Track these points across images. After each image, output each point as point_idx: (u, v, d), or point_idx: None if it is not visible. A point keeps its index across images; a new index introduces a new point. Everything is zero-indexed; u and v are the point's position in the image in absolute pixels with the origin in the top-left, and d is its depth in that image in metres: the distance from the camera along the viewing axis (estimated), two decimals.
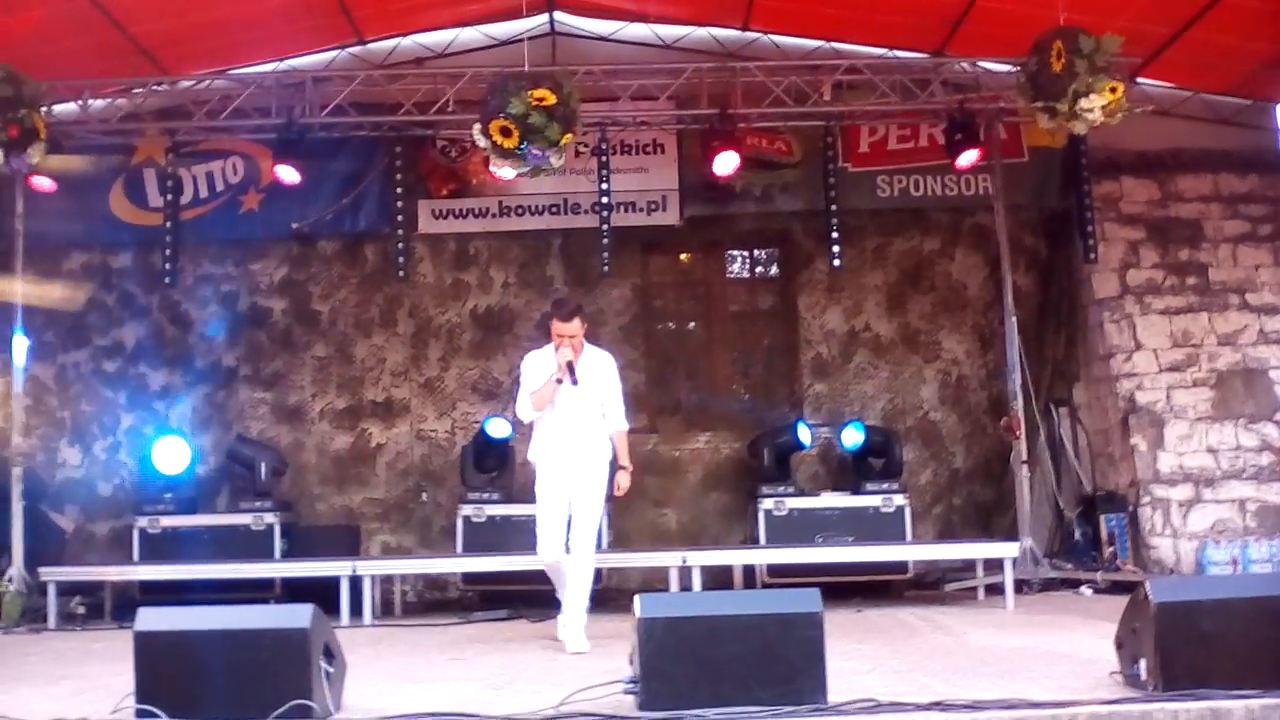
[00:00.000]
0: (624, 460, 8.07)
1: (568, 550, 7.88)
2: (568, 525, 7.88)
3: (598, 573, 11.00)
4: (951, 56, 11.65)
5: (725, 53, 12.09)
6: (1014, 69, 10.72)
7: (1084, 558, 11.71)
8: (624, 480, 8.06)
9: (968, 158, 11.46)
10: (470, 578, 11.29)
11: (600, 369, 8.09)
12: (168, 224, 11.90)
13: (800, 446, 12.36)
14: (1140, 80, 11.27)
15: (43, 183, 11.43)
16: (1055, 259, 13.07)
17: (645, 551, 11.90)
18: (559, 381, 7.80)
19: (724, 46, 12.16)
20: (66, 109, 11.49)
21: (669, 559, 10.53)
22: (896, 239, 13.45)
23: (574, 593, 7.93)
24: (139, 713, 4.96)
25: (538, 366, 8.00)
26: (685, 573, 10.29)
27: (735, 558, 11.37)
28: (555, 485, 7.89)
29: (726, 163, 11.41)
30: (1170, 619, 5.11)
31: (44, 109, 10.70)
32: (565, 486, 7.88)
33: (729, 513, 13.09)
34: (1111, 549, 11.59)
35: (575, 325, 7.87)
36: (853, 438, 12.21)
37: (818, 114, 11.68)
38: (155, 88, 11.67)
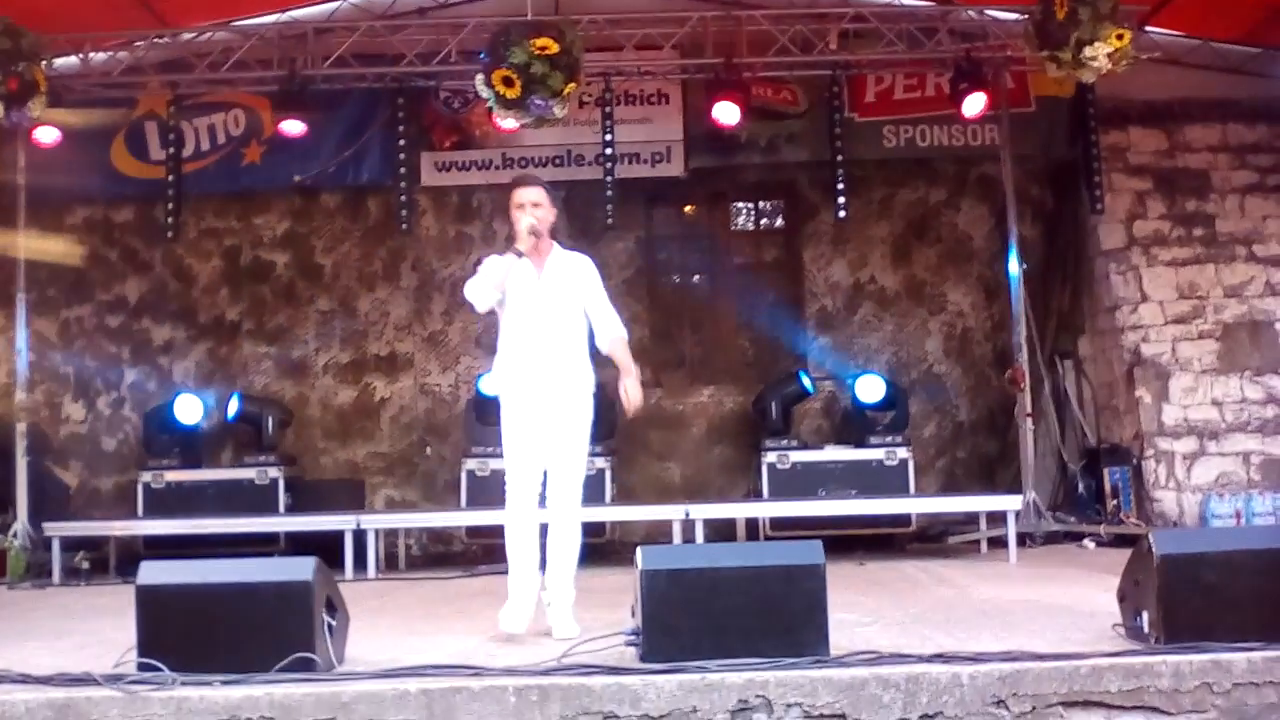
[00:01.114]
0: (630, 368, 6.56)
1: (543, 506, 6.37)
2: (544, 478, 6.37)
3: (600, 526, 11.11)
4: (959, 5, 11.53)
5: (730, 1, 11.98)
6: (1021, 17, 10.64)
7: (1087, 511, 11.72)
8: (634, 390, 6.49)
9: (974, 107, 11.35)
10: (474, 531, 11.30)
11: (577, 273, 6.56)
12: (170, 177, 11.87)
13: (806, 393, 12.36)
14: (1148, 29, 11.13)
15: (47, 136, 11.37)
16: (1061, 210, 12.99)
17: (648, 505, 11.91)
18: (518, 255, 6.33)
19: None
20: (67, 62, 11.42)
21: (672, 512, 10.56)
22: (902, 190, 13.39)
23: (557, 564, 6.28)
24: (141, 666, 4.97)
25: (493, 261, 6.53)
26: (688, 526, 10.31)
27: (738, 511, 11.39)
28: (525, 424, 6.32)
29: (730, 112, 11.34)
30: (1173, 571, 5.09)
31: (44, 62, 10.64)
32: (538, 426, 6.31)
33: (732, 466, 13.10)
34: (1115, 502, 11.58)
35: (539, 193, 6.45)
36: (873, 390, 12.07)
37: (824, 63, 11.59)
38: (156, 40, 11.58)
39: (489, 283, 6.37)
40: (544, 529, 6.33)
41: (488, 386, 11.70)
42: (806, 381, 12.27)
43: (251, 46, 11.47)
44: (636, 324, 13.05)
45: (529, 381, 6.35)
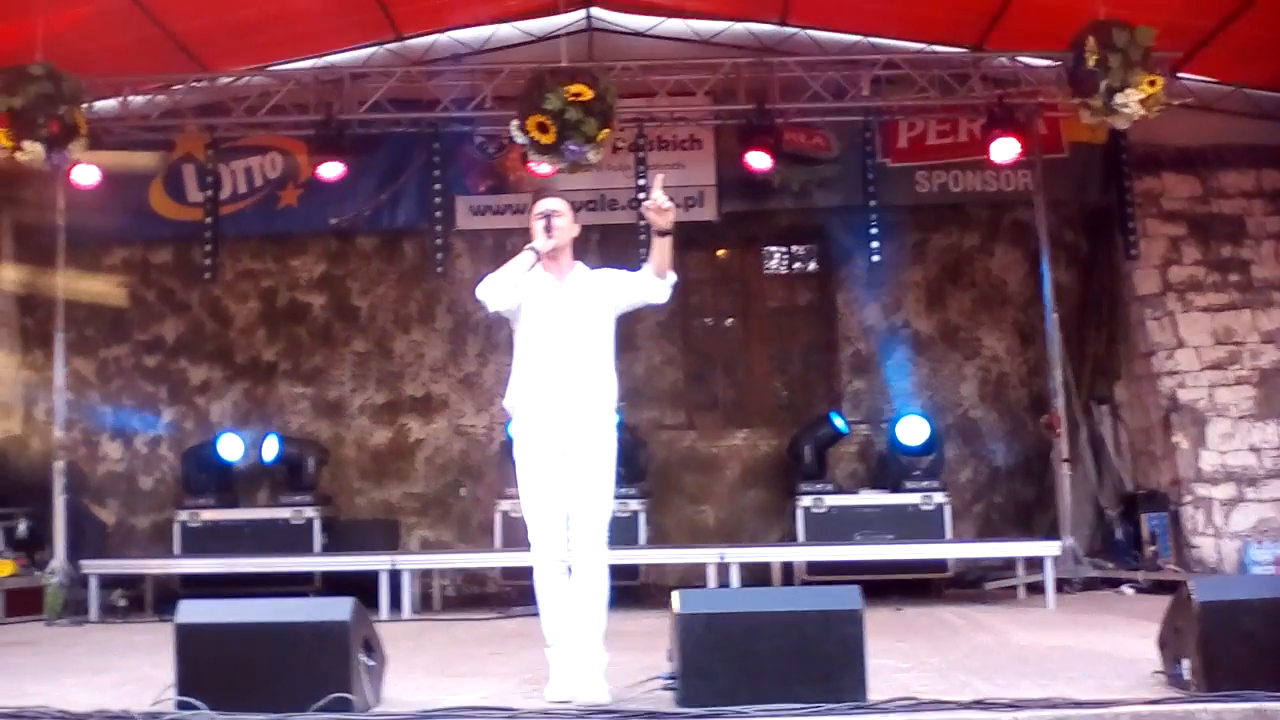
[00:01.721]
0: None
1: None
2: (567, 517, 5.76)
3: (634, 569, 11.08)
4: (991, 51, 11.56)
5: (763, 48, 12.05)
6: (1054, 63, 10.66)
7: (1125, 557, 11.63)
8: (662, 196, 5.75)
9: (1008, 153, 11.37)
10: (509, 572, 11.28)
11: (598, 283, 6.03)
12: (207, 219, 11.98)
13: (839, 434, 12.27)
14: (1181, 75, 11.16)
15: (86, 177, 11.51)
16: (1096, 255, 12.97)
17: (683, 548, 11.88)
18: (536, 254, 5.87)
19: (761, 41, 12.13)
20: (107, 105, 11.55)
21: (707, 556, 10.51)
22: (936, 235, 13.39)
23: (585, 620, 5.63)
24: (180, 704, 4.99)
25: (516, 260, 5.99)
26: (723, 570, 10.26)
27: (774, 555, 11.35)
28: (544, 454, 5.80)
29: (763, 159, 11.39)
30: (1214, 619, 5.05)
31: (85, 105, 10.77)
32: (556, 457, 5.76)
33: (767, 510, 13.06)
34: (1153, 548, 11.47)
35: (559, 203, 6.04)
36: (916, 432, 11.84)
37: (856, 109, 11.63)
38: (195, 84, 11.75)
39: (506, 279, 5.87)
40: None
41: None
42: (839, 422, 12.22)
43: (289, 91, 11.60)
44: (670, 367, 13.16)
45: (545, 405, 5.79)
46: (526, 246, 5.90)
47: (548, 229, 5.86)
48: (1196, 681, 5.05)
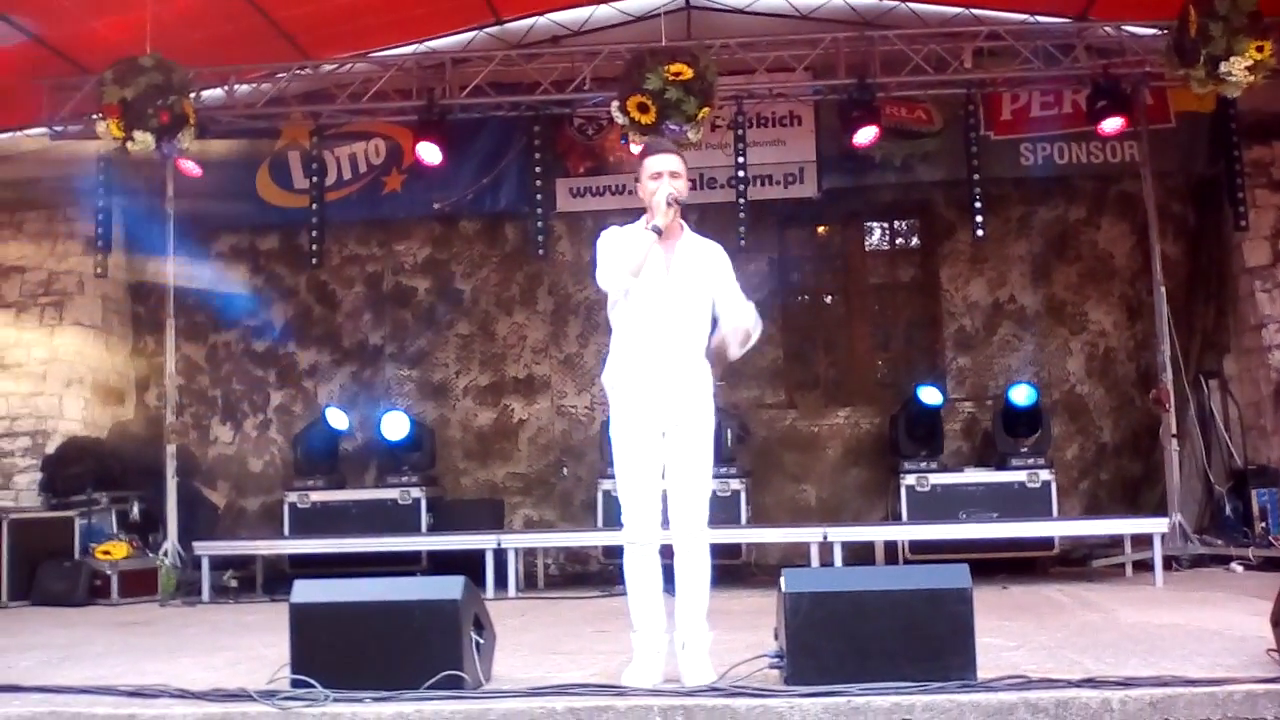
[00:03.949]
0: (733, 349, 5.53)
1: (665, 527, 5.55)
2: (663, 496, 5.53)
3: (736, 548, 11.09)
4: (1095, 20, 11.38)
5: (863, 21, 11.95)
6: (1159, 33, 10.47)
7: (1235, 533, 11.40)
8: (733, 344, 5.48)
9: (1113, 124, 11.21)
10: (610, 551, 11.34)
11: (709, 262, 5.65)
12: (313, 205, 12.13)
13: (927, 409, 11.97)
14: None
15: (192, 167, 11.74)
16: (1204, 227, 12.73)
17: (785, 527, 11.87)
18: (656, 231, 5.42)
19: (861, 15, 12.01)
20: (213, 94, 11.78)
21: (810, 535, 10.47)
22: (1041, 208, 13.22)
23: (688, 599, 5.47)
24: (294, 683, 5.07)
25: (622, 239, 5.56)
26: (826, 549, 10.23)
27: (877, 534, 11.28)
28: (641, 432, 5.50)
29: (865, 134, 11.32)
30: None
31: (192, 95, 10.99)
32: (655, 435, 5.48)
33: (869, 489, 13.02)
34: (1263, 524, 11.26)
35: (677, 161, 5.59)
36: (1024, 394, 11.74)
37: (958, 82, 11.50)
38: (298, 72, 11.93)
39: (627, 268, 5.44)
40: (667, 550, 5.54)
41: None
42: (926, 395, 11.93)
43: (391, 77, 11.75)
44: (770, 345, 13.11)
45: (644, 383, 5.50)
46: (648, 225, 5.45)
47: (670, 200, 5.44)
48: None
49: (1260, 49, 9.21)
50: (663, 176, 5.49)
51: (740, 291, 5.64)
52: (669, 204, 5.43)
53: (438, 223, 13.68)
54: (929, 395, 11.95)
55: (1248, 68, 9.27)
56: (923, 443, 11.89)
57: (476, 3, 11.62)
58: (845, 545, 10.27)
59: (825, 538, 10.26)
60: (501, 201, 13.09)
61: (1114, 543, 11.08)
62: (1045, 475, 11.32)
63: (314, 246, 12.19)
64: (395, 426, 12.39)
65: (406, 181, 12.99)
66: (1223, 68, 9.30)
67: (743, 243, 11.68)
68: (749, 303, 5.58)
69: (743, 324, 5.50)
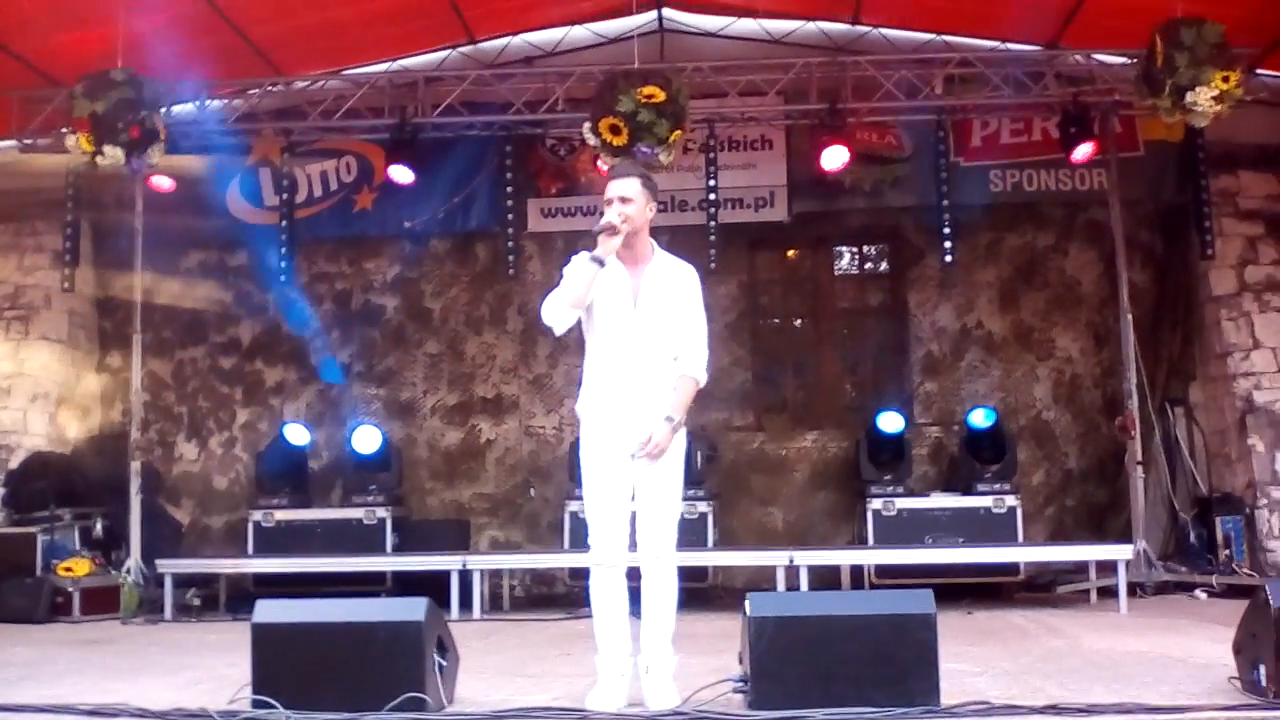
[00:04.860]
0: (673, 411, 5.40)
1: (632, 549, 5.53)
2: (632, 519, 5.51)
3: (702, 571, 11.08)
4: (1066, 49, 11.44)
5: (835, 47, 12.01)
6: (1129, 61, 10.55)
7: (1199, 560, 11.46)
8: (659, 433, 5.34)
9: (1082, 152, 11.30)
10: (577, 573, 11.30)
11: (676, 286, 5.55)
12: (283, 222, 12.11)
13: (885, 436, 11.97)
14: (1259, 71, 10.99)
15: (164, 181, 11.69)
16: (1171, 255, 12.81)
17: (752, 550, 11.87)
18: (599, 264, 5.37)
19: (833, 41, 12.08)
20: (184, 110, 11.73)
21: (776, 558, 10.48)
22: (1009, 234, 13.29)
23: (653, 622, 5.43)
24: (256, 703, 5.04)
25: (569, 268, 5.51)
26: (792, 572, 10.23)
27: (844, 558, 11.30)
28: (610, 455, 5.45)
29: (836, 158, 11.36)
30: None
31: (163, 110, 10.95)
32: (625, 455, 5.41)
33: (835, 512, 13.03)
34: (1227, 552, 11.32)
35: (631, 185, 5.48)
36: (981, 419, 11.86)
37: (929, 108, 11.55)
38: (271, 88, 11.89)
39: (567, 300, 5.41)
40: (633, 572, 5.52)
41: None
42: (884, 422, 11.92)
43: (363, 95, 11.74)
44: (739, 368, 13.14)
45: (614, 409, 5.46)
46: (589, 256, 5.38)
47: (610, 229, 5.36)
48: (1274, 688, 4.98)
49: (1226, 79, 9.30)
50: (612, 203, 5.45)
51: (701, 323, 5.57)
52: (604, 232, 5.37)
53: (408, 241, 13.62)
54: (888, 422, 11.95)
55: (1213, 98, 9.35)
56: (887, 467, 11.90)
57: (450, 22, 11.60)
58: (811, 569, 10.26)
59: (791, 561, 10.26)
60: (472, 221, 13.06)
61: (1079, 569, 11.13)
62: (1011, 501, 11.35)
63: (283, 264, 12.16)
64: (366, 441, 12.35)
65: (377, 199, 12.94)
66: (1188, 98, 9.39)
67: (713, 265, 11.71)
68: (700, 341, 5.53)
69: (690, 368, 5.48)
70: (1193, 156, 11.64)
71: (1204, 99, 9.35)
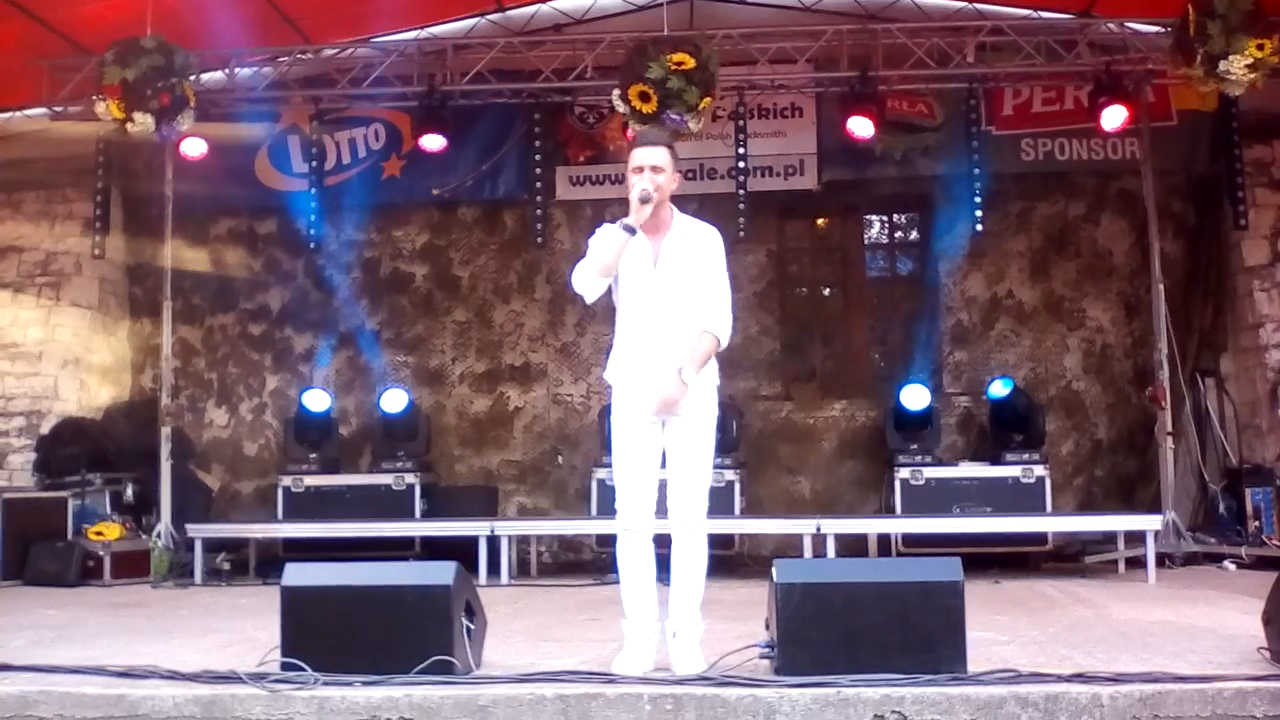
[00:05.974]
0: (686, 364, 5.38)
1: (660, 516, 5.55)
2: (662, 486, 5.54)
3: (729, 539, 11.09)
4: (1098, 17, 11.34)
5: (866, 14, 11.91)
6: (1162, 30, 10.46)
7: (1228, 532, 11.40)
8: (669, 385, 5.36)
9: (1115, 121, 11.19)
10: (603, 540, 11.34)
11: (700, 249, 5.56)
12: (312, 190, 12.15)
13: (907, 413, 11.91)
14: None
15: (194, 149, 11.71)
16: (1204, 225, 12.71)
17: (779, 518, 11.87)
18: (629, 230, 5.41)
19: (864, 8, 11.97)
20: (214, 78, 11.76)
21: (803, 526, 10.48)
22: (1040, 203, 13.20)
23: (682, 588, 5.47)
24: (285, 665, 5.08)
25: (598, 237, 5.58)
26: (819, 540, 10.23)
27: (871, 526, 11.30)
28: (637, 421, 5.51)
29: (865, 126, 11.30)
30: None
31: (193, 77, 10.98)
32: (655, 425, 5.49)
33: (863, 481, 13.01)
34: (1257, 523, 11.25)
35: (660, 154, 5.51)
36: (999, 389, 11.90)
37: (960, 76, 11.48)
38: (300, 56, 11.91)
39: (596, 268, 5.47)
40: (662, 539, 5.54)
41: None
42: (907, 397, 11.86)
43: (392, 62, 11.74)
44: (767, 337, 13.11)
45: (639, 373, 5.49)
46: (620, 223, 5.42)
47: (644, 198, 5.37)
48: None
49: (1261, 47, 9.20)
50: (643, 171, 5.46)
51: (725, 286, 5.57)
52: (642, 201, 5.38)
53: (436, 209, 13.65)
54: (912, 398, 11.88)
55: (1247, 66, 9.27)
56: (914, 437, 11.89)
57: None
58: (838, 537, 10.29)
59: (819, 529, 10.26)
60: (501, 189, 13.06)
61: (1107, 539, 11.09)
62: (1040, 471, 11.33)
63: (312, 231, 12.20)
64: (394, 401, 12.42)
65: (406, 167, 12.97)
66: (1222, 66, 9.30)
67: (742, 234, 11.69)
68: (722, 300, 5.52)
69: (712, 326, 5.46)
70: (1226, 126, 11.55)
71: (1238, 67, 9.27)
